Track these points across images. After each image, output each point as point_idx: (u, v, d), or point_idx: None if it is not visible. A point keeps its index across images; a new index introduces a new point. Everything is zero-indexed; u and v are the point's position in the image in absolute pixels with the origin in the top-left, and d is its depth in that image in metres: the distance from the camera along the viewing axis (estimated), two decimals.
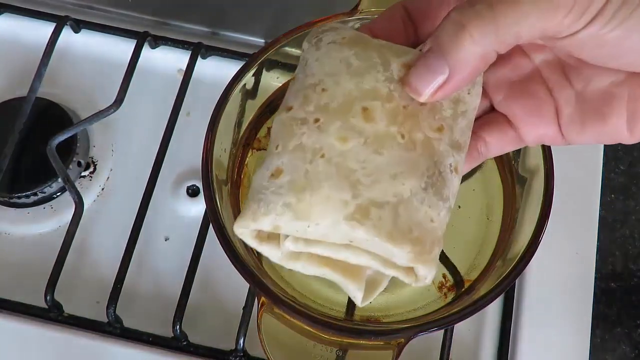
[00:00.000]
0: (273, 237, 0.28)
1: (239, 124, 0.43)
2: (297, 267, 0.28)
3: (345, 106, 0.25)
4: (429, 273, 0.25)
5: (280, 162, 0.25)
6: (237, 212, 0.43)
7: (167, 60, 0.55)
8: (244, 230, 0.27)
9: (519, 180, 0.42)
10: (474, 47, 0.24)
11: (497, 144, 0.32)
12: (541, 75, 0.31)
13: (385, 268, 0.26)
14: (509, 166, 0.43)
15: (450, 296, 0.41)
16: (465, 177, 0.44)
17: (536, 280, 0.48)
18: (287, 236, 0.27)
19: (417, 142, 0.25)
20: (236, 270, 0.36)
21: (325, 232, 0.25)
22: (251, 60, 0.42)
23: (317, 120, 0.26)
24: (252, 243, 0.28)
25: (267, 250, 0.28)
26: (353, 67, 0.26)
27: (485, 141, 0.32)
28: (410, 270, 0.26)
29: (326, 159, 0.25)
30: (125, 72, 0.52)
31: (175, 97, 0.52)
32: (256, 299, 0.39)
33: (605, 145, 0.52)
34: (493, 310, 0.48)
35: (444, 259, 0.42)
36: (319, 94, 0.26)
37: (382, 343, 0.35)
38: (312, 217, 0.25)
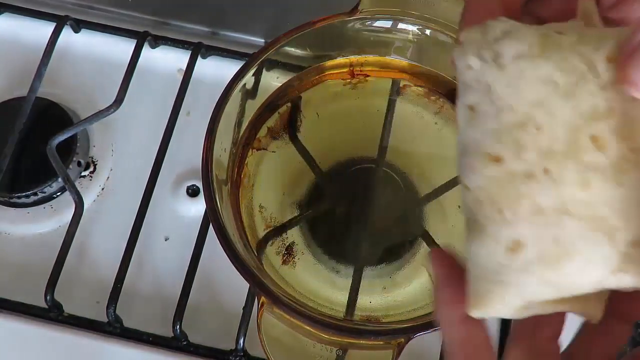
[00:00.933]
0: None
1: (239, 123, 0.43)
2: (530, 315, 0.23)
3: (572, 143, 0.20)
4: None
5: (515, 233, 0.21)
6: (237, 211, 0.43)
7: (167, 60, 0.55)
8: (477, 314, 0.23)
9: None
10: None
11: None
12: None
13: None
14: None
15: None
16: None
17: None
18: None
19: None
20: (236, 270, 0.36)
21: (585, 290, 0.22)
22: (251, 60, 0.42)
23: (546, 172, 0.20)
24: (477, 315, 0.23)
25: (488, 315, 0.23)
26: (561, 87, 0.21)
27: None
28: None
29: (573, 215, 0.20)
30: (125, 72, 0.52)
31: (175, 97, 0.52)
32: (256, 299, 0.39)
33: None
34: None
35: None
36: (534, 136, 0.21)
37: (382, 343, 0.35)
38: (575, 285, 0.21)
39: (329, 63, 0.45)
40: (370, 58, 0.45)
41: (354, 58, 0.45)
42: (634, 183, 0.20)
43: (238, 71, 0.41)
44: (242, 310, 0.45)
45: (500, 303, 0.22)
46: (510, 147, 0.21)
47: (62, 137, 0.49)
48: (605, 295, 0.23)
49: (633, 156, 0.20)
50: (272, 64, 0.43)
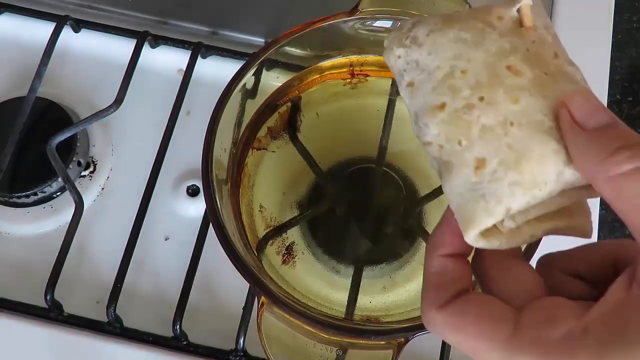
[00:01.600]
0: (486, 234, 0.26)
1: (239, 123, 0.43)
2: (526, 240, 0.27)
3: (493, 74, 0.25)
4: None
5: (476, 153, 0.25)
6: (237, 211, 0.43)
7: (167, 60, 0.55)
8: (474, 234, 0.25)
9: None
10: None
11: None
12: None
13: (591, 193, 0.26)
14: None
15: None
16: None
17: None
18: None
19: (557, 74, 0.26)
20: (236, 270, 0.36)
21: (552, 189, 0.25)
22: (251, 59, 0.42)
23: (481, 99, 0.25)
24: (480, 243, 0.26)
25: (489, 244, 0.26)
26: (469, 41, 0.26)
27: None
28: None
29: (516, 124, 0.25)
30: (125, 72, 0.52)
31: (175, 97, 0.52)
32: (256, 299, 0.39)
33: None
34: None
35: None
36: (462, 78, 0.26)
37: (382, 343, 0.35)
38: (538, 180, 0.25)
39: (329, 63, 0.45)
40: (370, 58, 0.45)
41: (354, 58, 0.45)
42: (556, 93, 0.25)
43: (238, 71, 0.41)
44: (242, 310, 0.45)
45: (486, 215, 0.25)
46: (447, 93, 0.26)
47: (62, 137, 0.49)
48: (588, 211, 0.28)
49: (547, 77, 0.26)
50: (272, 64, 0.43)
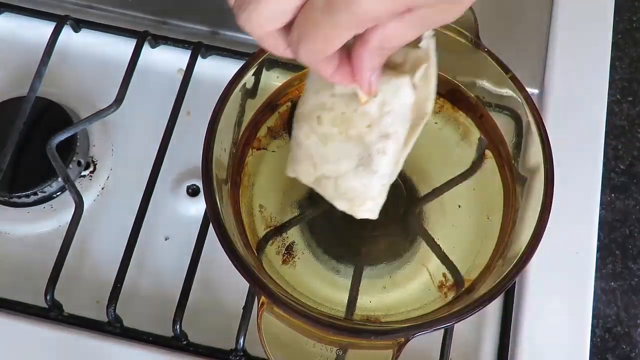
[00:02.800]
0: None
1: (239, 123, 0.43)
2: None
3: (308, 115, 0.36)
4: (365, 212, 0.37)
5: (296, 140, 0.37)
6: (237, 211, 0.43)
7: (167, 60, 0.55)
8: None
9: (519, 180, 0.42)
10: None
11: None
12: None
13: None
14: (509, 166, 0.43)
15: (451, 296, 0.41)
16: (465, 177, 0.45)
17: (536, 280, 0.48)
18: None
19: (352, 136, 0.35)
20: (236, 270, 0.36)
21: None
22: (251, 59, 0.42)
23: (297, 122, 0.37)
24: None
25: None
26: (318, 88, 0.36)
27: None
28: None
29: (302, 148, 0.37)
30: (125, 72, 0.52)
31: (175, 97, 0.52)
32: (256, 298, 0.39)
33: (605, 145, 0.52)
34: (493, 310, 0.48)
35: (443, 258, 0.42)
36: (300, 105, 0.37)
37: (382, 343, 0.35)
38: (300, 176, 0.37)
39: None
40: None
41: None
42: (334, 150, 0.35)
43: (238, 71, 0.41)
44: (242, 310, 0.45)
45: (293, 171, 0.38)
46: (313, 119, 0.36)
47: (62, 137, 0.49)
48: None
49: (340, 136, 0.35)
50: (272, 64, 0.43)
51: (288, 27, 0.27)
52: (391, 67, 0.35)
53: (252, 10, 0.26)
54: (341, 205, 0.37)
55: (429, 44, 0.35)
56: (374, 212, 0.38)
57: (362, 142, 0.35)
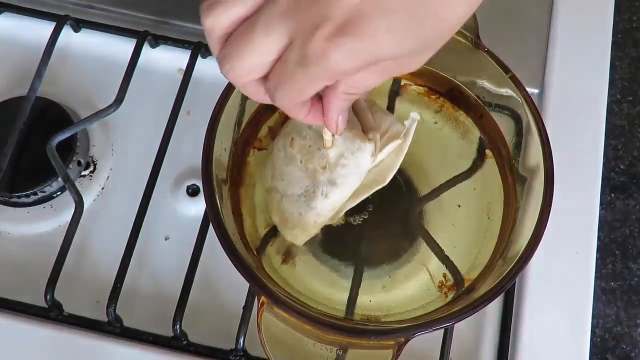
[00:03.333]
0: None
1: (239, 123, 0.43)
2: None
3: (288, 133, 0.41)
4: (291, 236, 0.41)
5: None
6: (237, 211, 0.43)
7: (167, 60, 0.55)
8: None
9: (519, 180, 0.42)
10: None
11: None
12: None
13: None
14: (509, 166, 0.43)
15: (451, 296, 0.41)
16: (465, 177, 0.45)
17: (536, 280, 0.48)
18: None
19: (308, 169, 0.39)
20: (236, 270, 0.36)
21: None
22: None
23: (281, 132, 0.43)
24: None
25: None
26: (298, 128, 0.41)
27: None
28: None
29: (272, 155, 0.42)
30: (125, 72, 0.52)
31: (175, 97, 0.52)
32: (256, 298, 0.39)
33: (605, 145, 0.52)
34: (493, 310, 0.48)
35: (443, 258, 0.42)
36: (289, 120, 0.42)
37: (382, 342, 0.35)
38: (261, 177, 0.43)
39: None
40: None
41: None
42: (291, 172, 0.40)
43: None
44: (242, 310, 0.45)
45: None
46: (288, 139, 0.41)
47: (62, 137, 0.49)
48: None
49: (300, 164, 0.40)
50: None
51: (266, 77, 0.30)
52: (374, 128, 0.39)
53: (234, 62, 0.29)
54: (275, 219, 0.41)
55: (411, 125, 0.39)
56: (299, 239, 0.41)
57: (314, 179, 0.39)
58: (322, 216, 0.40)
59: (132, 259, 0.46)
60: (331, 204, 0.39)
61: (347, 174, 0.39)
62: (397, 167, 0.39)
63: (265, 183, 0.42)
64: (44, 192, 0.50)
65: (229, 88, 0.41)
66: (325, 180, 0.39)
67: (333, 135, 0.38)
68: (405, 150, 0.39)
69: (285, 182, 0.40)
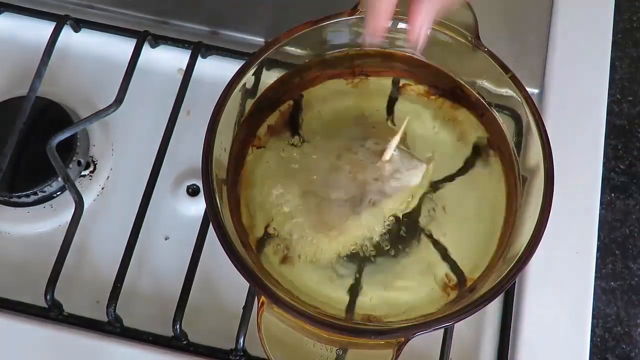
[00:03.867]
0: None
1: (239, 123, 0.43)
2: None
3: (330, 150, 0.44)
4: (327, 237, 0.42)
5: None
6: (237, 211, 0.43)
7: (167, 60, 0.55)
8: None
9: (520, 180, 0.42)
10: None
11: None
12: None
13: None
14: (511, 164, 0.43)
15: (453, 295, 0.41)
16: (468, 176, 0.45)
17: (536, 280, 0.48)
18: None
19: (357, 179, 0.42)
20: (236, 270, 0.36)
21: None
22: (251, 59, 0.42)
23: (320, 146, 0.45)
24: None
25: None
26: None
27: None
28: None
29: (310, 162, 0.44)
30: (125, 72, 0.52)
31: (175, 97, 0.52)
32: (256, 298, 0.39)
33: (605, 145, 0.52)
34: (493, 310, 0.48)
35: (445, 257, 0.42)
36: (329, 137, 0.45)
37: (382, 342, 0.35)
38: (294, 179, 0.44)
39: (330, 62, 0.45)
40: (371, 51, 0.45)
41: (354, 57, 0.45)
42: (338, 179, 0.43)
43: (238, 70, 0.41)
44: (242, 310, 0.45)
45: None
46: (334, 154, 0.44)
47: (62, 137, 0.49)
48: None
49: (349, 175, 0.43)
50: (272, 63, 0.43)
51: None
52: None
53: None
54: (311, 219, 0.42)
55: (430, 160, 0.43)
56: (334, 239, 0.42)
57: (363, 187, 0.42)
58: (364, 222, 0.42)
59: (132, 259, 0.46)
60: (375, 212, 0.42)
61: (399, 187, 0.42)
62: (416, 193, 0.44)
63: (296, 185, 0.43)
64: (44, 192, 0.50)
65: (229, 88, 0.41)
66: (375, 189, 0.41)
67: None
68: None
69: (328, 188, 0.42)
